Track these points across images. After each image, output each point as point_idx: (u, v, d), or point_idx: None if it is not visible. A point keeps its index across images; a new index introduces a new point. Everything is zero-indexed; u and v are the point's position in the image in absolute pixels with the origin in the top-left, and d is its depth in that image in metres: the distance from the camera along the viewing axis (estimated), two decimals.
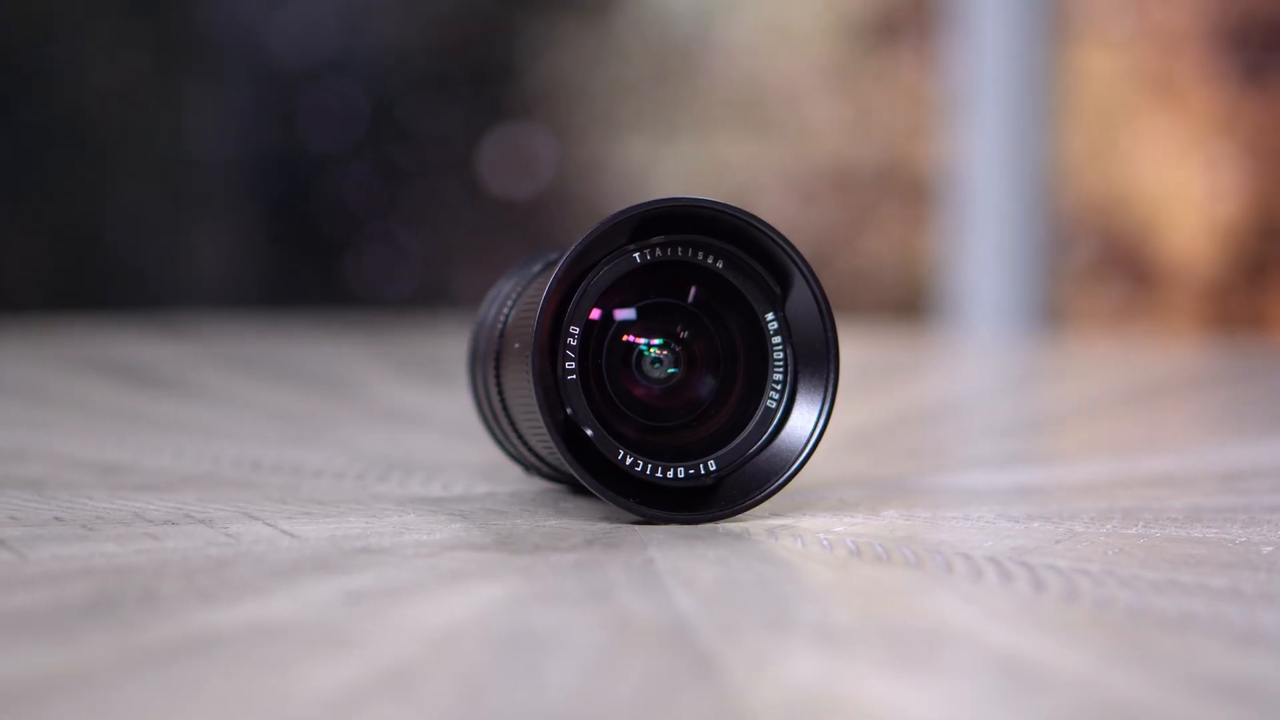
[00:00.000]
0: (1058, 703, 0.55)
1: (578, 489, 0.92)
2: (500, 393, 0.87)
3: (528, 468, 0.92)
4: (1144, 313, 2.88)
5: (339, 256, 3.06)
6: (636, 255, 0.82)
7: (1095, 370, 2.09)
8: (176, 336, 2.25)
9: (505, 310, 0.88)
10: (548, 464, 0.89)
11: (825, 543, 0.78)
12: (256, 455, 1.07)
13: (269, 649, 0.60)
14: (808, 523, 0.83)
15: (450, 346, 2.26)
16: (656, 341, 0.83)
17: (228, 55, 3.03)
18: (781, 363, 0.83)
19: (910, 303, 2.96)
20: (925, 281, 2.94)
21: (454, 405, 1.36)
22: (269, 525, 0.80)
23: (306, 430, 1.29)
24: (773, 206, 2.99)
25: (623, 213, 0.81)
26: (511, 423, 0.88)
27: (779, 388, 0.83)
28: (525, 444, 0.88)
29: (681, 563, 0.73)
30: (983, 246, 2.71)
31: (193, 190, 3.05)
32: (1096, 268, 2.92)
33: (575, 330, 0.81)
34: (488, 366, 0.89)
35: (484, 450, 1.05)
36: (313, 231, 3.05)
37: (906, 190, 2.98)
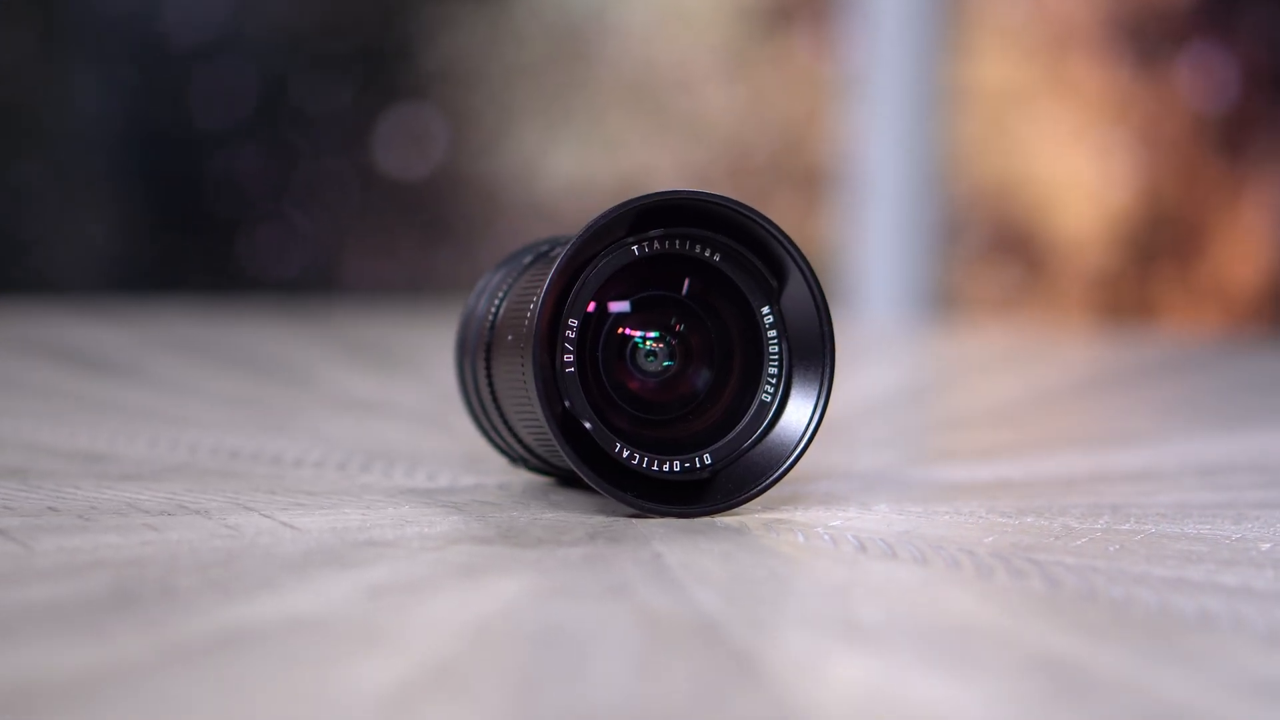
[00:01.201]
0: (1108, 704, 0.56)
1: (566, 481, 0.92)
2: (490, 384, 0.87)
3: (514, 459, 0.92)
4: (1035, 299, 2.90)
5: (230, 236, 3.03)
6: (635, 248, 0.82)
7: (1028, 362, 2.11)
8: (107, 320, 2.23)
9: (496, 302, 0.87)
10: (537, 456, 0.88)
11: (827, 538, 0.78)
12: (232, 444, 1.06)
13: (306, 645, 0.60)
14: (802, 516, 0.83)
15: (394, 332, 2.26)
16: (652, 334, 0.83)
17: (117, 33, 2.99)
18: (776, 356, 0.83)
19: None
20: (820, 266, 2.94)
21: (413, 393, 1.35)
22: (266, 517, 0.80)
23: (274, 418, 1.28)
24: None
25: (622, 205, 0.81)
26: (501, 414, 0.87)
27: (774, 381, 0.83)
28: (515, 436, 0.88)
29: (689, 557, 0.73)
30: (878, 231, 2.73)
31: (81, 169, 3.01)
32: (989, 253, 2.94)
33: (574, 323, 0.81)
34: (477, 358, 0.88)
35: (459, 440, 1.05)
36: (203, 211, 3.02)
37: (801, 175, 2.99)
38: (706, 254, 0.83)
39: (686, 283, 0.84)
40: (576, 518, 0.82)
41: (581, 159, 3.00)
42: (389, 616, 0.64)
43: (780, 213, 2.97)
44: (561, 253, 0.81)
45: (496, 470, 0.97)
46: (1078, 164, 2.87)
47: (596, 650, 0.59)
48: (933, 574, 0.72)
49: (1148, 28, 2.83)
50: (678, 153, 2.99)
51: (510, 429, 0.88)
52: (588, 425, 0.80)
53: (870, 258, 2.72)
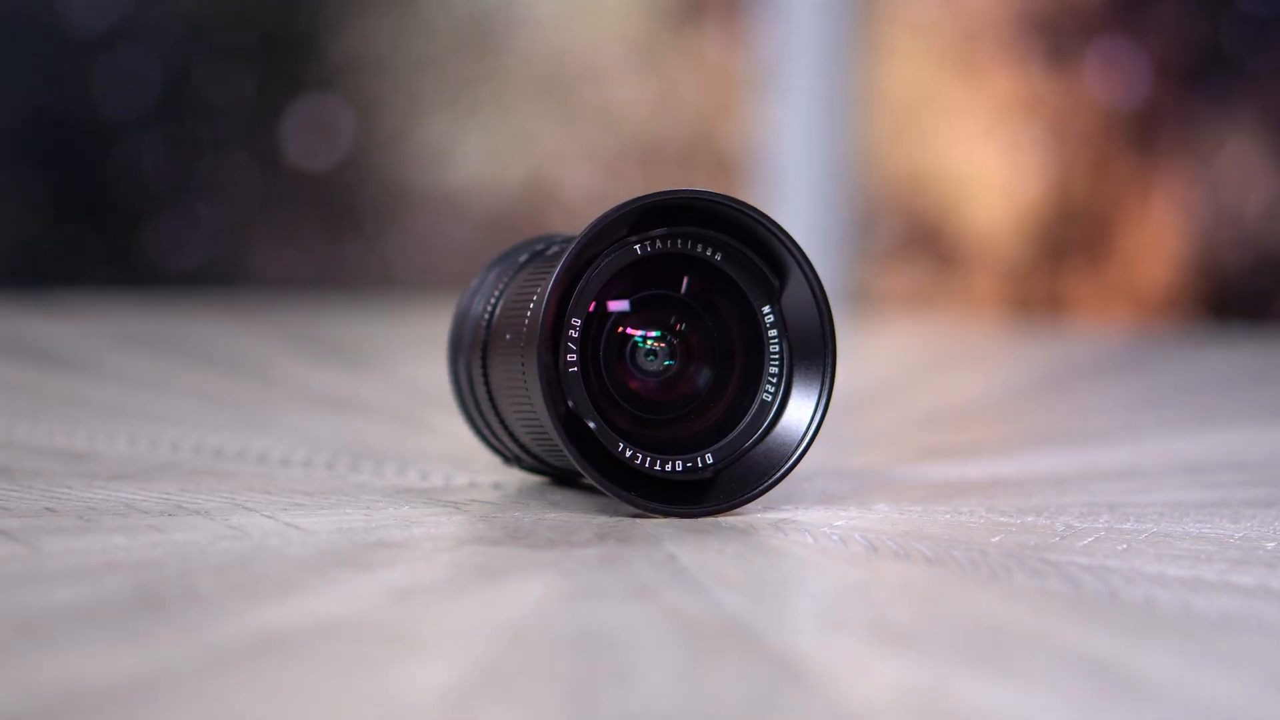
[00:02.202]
0: (1158, 707, 0.55)
1: (560, 480, 0.91)
2: (487, 383, 0.86)
3: (508, 459, 0.91)
4: (946, 294, 2.92)
5: (133, 227, 2.99)
6: (637, 247, 0.81)
7: (981, 360, 2.12)
8: (45, 313, 2.20)
9: (492, 301, 0.86)
10: (532, 455, 0.88)
11: (835, 538, 0.78)
12: (214, 442, 1.05)
13: (344, 649, 0.59)
14: (804, 516, 0.83)
15: (347, 328, 2.24)
16: (653, 334, 0.83)
17: (19, 21, 2.94)
18: (777, 356, 0.83)
19: None
20: None
21: (380, 390, 1.34)
22: (269, 518, 0.79)
23: (248, 415, 1.27)
24: (577, 183, 2.98)
25: (625, 204, 0.80)
26: (498, 413, 0.87)
27: (775, 381, 0.83)
28: (511, 435, 0.87)
29: (704, 559, 0.73)
30: (789, 224, 2.72)
31: None
32: (900, 248, 2.95)
33: (577, 322, 0.80)
34: (473, 357, 0.87)
35: (440, 438, 1.05)
36: (105, 201, 2.98)
37: (712, 168, 2.99)
38: (708, 253, 0.82)
39: (685, 281, 0.83)
40: (581, 518, 0.81)
41: (490, 150, 2.99)
42: (419, 619, 0.63)
43: None
44: (565, 252, 0.80)
45: (487, 469, 0.96)
46: (988, 159, 2.88)
47: (638, 654, 0.59)
48: (949, 574, 0.72)
49: (1058, 23, 2.85)
50: (587, 144, 2.98)
51: (506, 428, 0.87)
52: (591, 425, 0.80)
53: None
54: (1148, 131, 2.83)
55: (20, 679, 0.54)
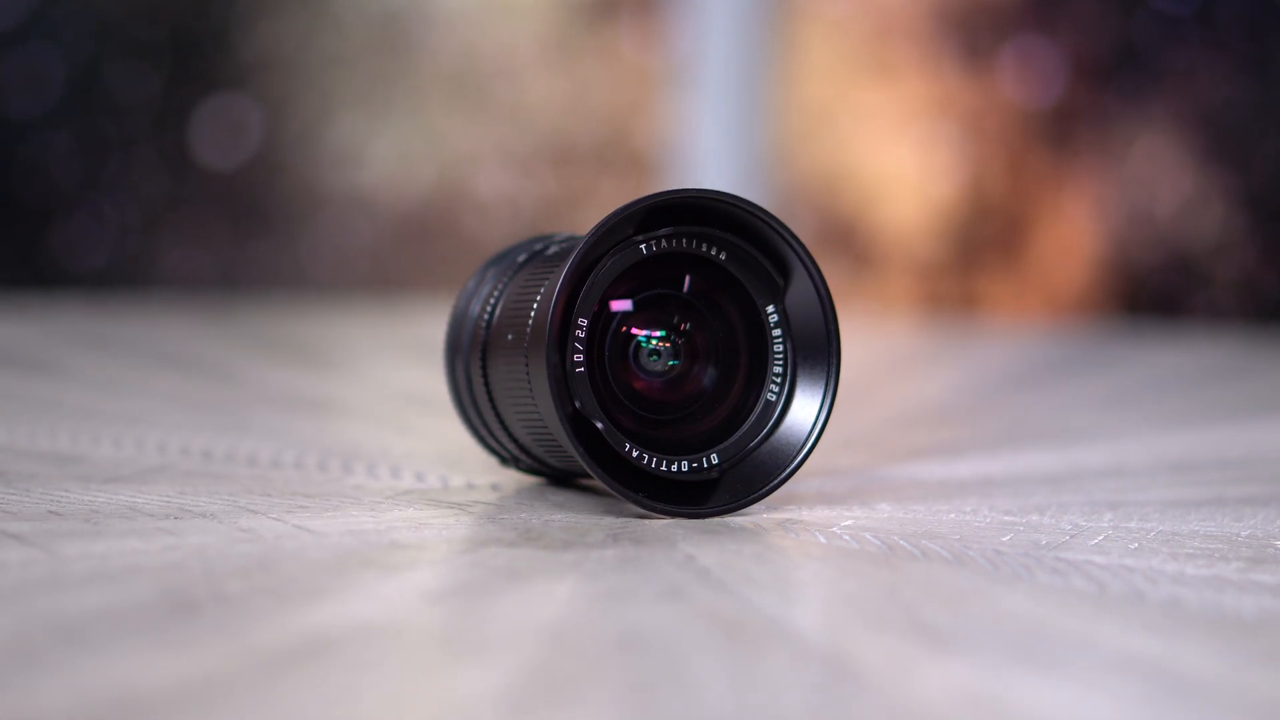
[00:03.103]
0: (1215, 707, 0.55)
1: (557, 480, 0.91)
2: (487, 384, 0.86)
3: (505, 460, 0.90)
4: (860, 290, 2.93)
5: (39, 226, 2.95)
6: (643, 246, 0.80)
7: (931, 361, 2.13)
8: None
9: (491, 302, 0.86)
10: (531, 455, 0.87)
11: (848, 538, 0.78)
12: (200, 444, 1.04)
13: (391, 652, 0.59)
14: (809, 516, 0.83)
15: (286, 326, 2.22)
16: (657, 334, 0.82)
17: None
18: (781, 355, 0.83)
19: None
20: None
21: (352, 391, 1.33)
22: (275, 520, 0.78)
23: (225, 416, 1.26)
24: (490, 182, 2.97)
25: (632, 204, 0.80)
26: (497, 414, 0.86)
27: (779, 380, 0.83)
28: (510, 435, 0.86)
29: (723, 559, 0.73)
30: None
31: None
32: (815, 245, 2.96)
33: (583, 322, 0.79)
34: (472, 358, 0.86)
35: (425, 439, 1.04)
36: (11, 199, 2.94)
37: (626, 165, 2.99)
38: (713, 252, 0.82)
39: (687, 280, 0.83)
40: (589, 519, 0.81)
41: (402, 149, 2.97)
42: (457, 622, 0.63)
43: (605, 203, 2.96)
44: (569, 251, 0.80)
45: (480, 470, 0.96)
46: (903, 157, 2.89)
47: (685, 656, 0.58)
48: (971, 574, 0.72)
49: (973, 21, 2.86)
50: (500, 142, 2.97)
51: (506, 428, 0.86)
52: (599, 425, 0.79)
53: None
54: (1062, 129, 2.85)
55: (67, 686, 0.53)
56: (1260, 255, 2.75)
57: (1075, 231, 2.82)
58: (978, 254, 2.87)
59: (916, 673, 0.57)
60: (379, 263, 2.99)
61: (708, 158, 2.75)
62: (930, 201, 2.88)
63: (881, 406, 1.50)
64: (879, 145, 2.91)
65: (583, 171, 2.98)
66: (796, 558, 0.75)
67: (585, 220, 2.97)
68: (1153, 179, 2.78)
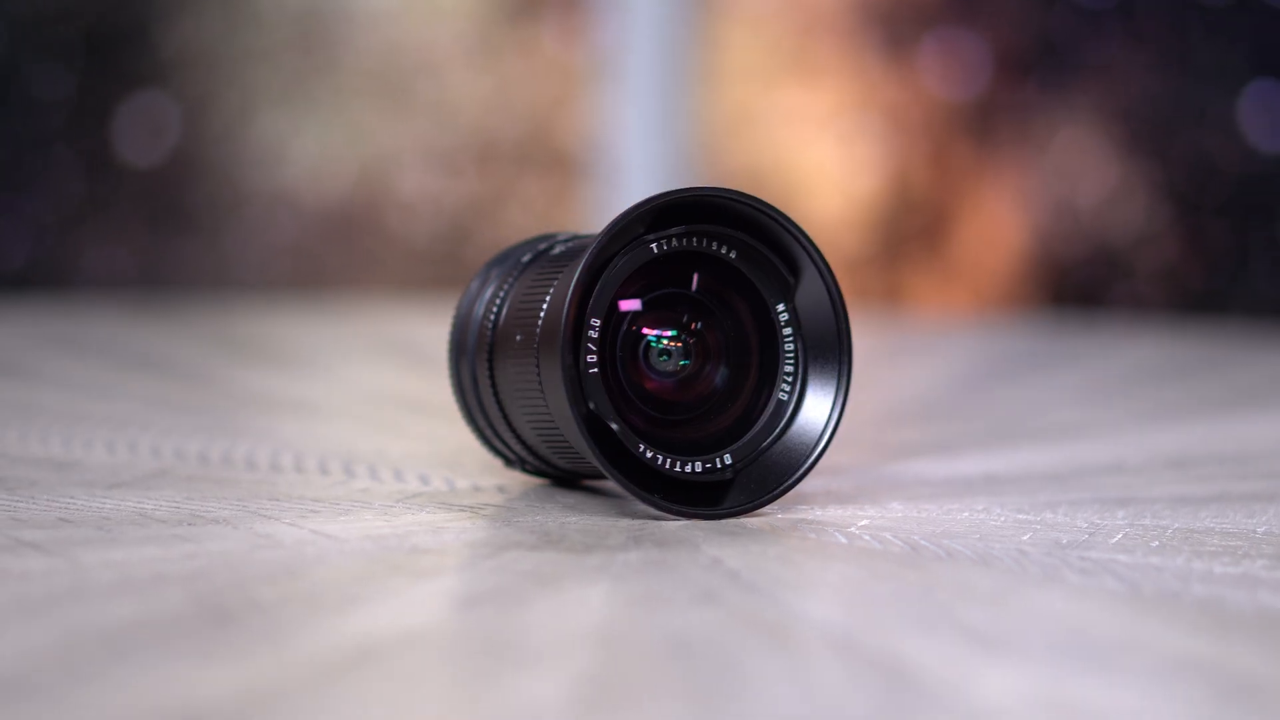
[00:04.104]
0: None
1: (561, 481, 0.90)
2: (493, 385, 0.85)
3: (510, 461, 0.90)
4: None
5: None
6: (654, 245, 0.80)
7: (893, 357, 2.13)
8: None
9: (497, 303, 0.85)
10: (538, 456, 0.87)
11: (869, 538, 0.78)
12: (193, 448, 1.03)
13: (441, 659, 0.58)
14: (823, 516, 0.83)
15: (263, 328, 2.20)
16: (669, 333, 0.82)
17: None
18: (792, 354, 0.83)
19: None
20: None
21: (331, 393, 1.32)
22: (291, 526, 0.78)
23: (211, 420, 1.24)
24: (413, 179, 2.95)
25: (643, 203, 0.79)
26: (504, 415, 0.85)
27: (790, 379, 0.83)
28: (518, 436, 0.86)
29: (749, 561, 0.73)
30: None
31: None
32: None
33: (596, 322, 0.79)
34: (478, 359, 0.86)
35: (419, 441, 1.04)
36: None
37: (550, 162, 2.98)
38: (723, 251, 0.81)
39: (695, 278, 0.82)
40: (605, 521, 0.80)
41: (325, 145, 2.95)
42: (499, 628, 0.62)
43: (529, 200, 2.96)
44: (580, 250, 0.79)
45: (482, 472, 0.95)
46: (826, 152, 2.90)
47: (739, 661, 0.58)
48: (1001, 575, 0.72)
49: (895, 14, 2.87)
50: (423, 139, 2.96)
51: (513, 429, 0.86)
52: (614, 426, 0.79)
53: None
54: (985, 122, 2.87)
55: (124, 698, 0.53)
56: (1182, 247, 2.77)
57: (999, 224, 2.83)
58: (902, 248, 2.88)
59: (974, 676, 0.57)
60: (301, 260, 2.97)
61: (632, 154, 2.75)
62: (854, 196, 2.88)
63: (861, 404, 1.51)
64: (802, 140, 2.92)
65: (506, 169, 2.97)
66: (822, 559, 0.74)
67: (510, 218, 2.97)
68: (1075, 171, 2.80)
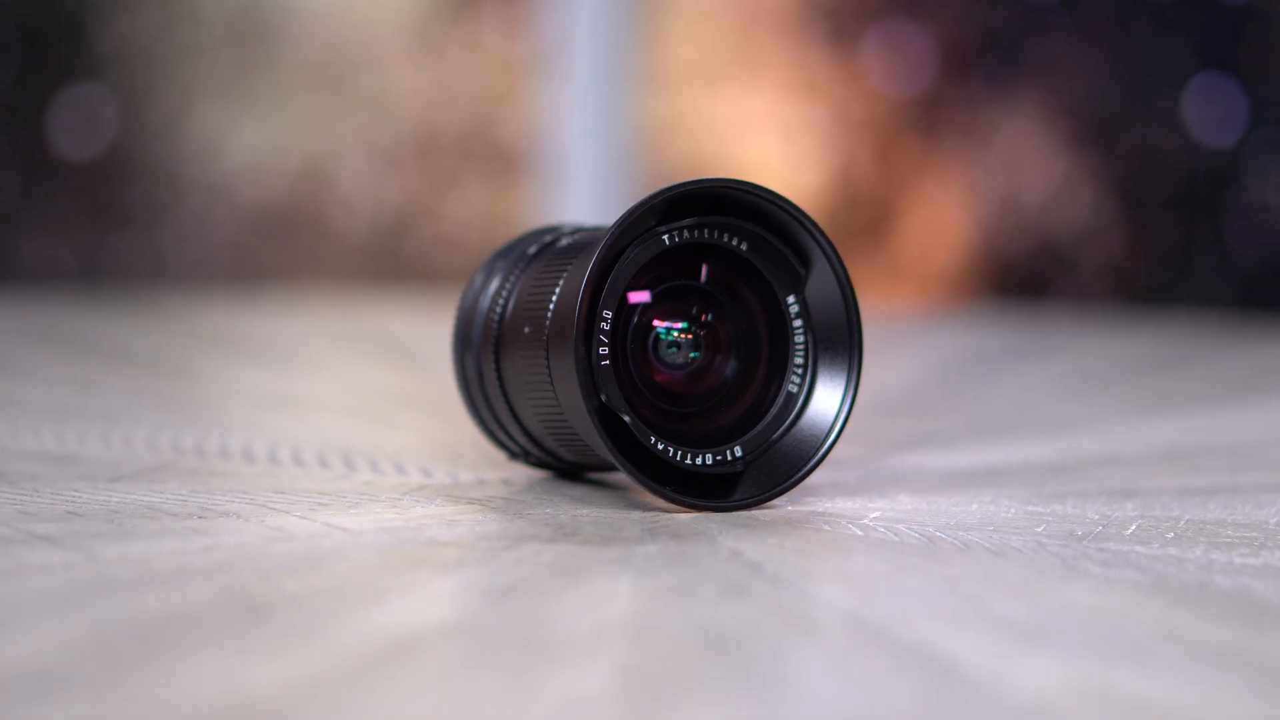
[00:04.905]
0: None
1: (564, 473, 0.90)
2: (500, 378, 0.84)
3: (514, 454, 0.89)
4: None
5: None
6: (665, 237, 0.80)
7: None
8: None
9: (504, 296, 0.84)
10: (543, 449, 0.86)
11: (884, 530, 0.77)
12: (188, 441, 1.03)
13: (481, 651, 0.58)
14: (834, 508, 0.83)
15: (226, 320, 2.18)
16: (679, 325, 0.81)
17: None
18: (802, 346, 0.82)
19: None
20: None
21: (314, 386, 1.31)
22: (303, 519, 0.77)
23: (200, 413, 1.24)
24: (354, 173, 2.94)
25: (655, 195, 0.79)
26: (510, 408, 0.85)
27: (800, 371, 0.82)
28: (523, 429, 0.85)
29: (769, 554, 0.72)
30: (572, 212, 2.72)
31: None
32: None
33: (608, 315, 0.78)
34: (484, 352, 0.85)
35: (412, 434, 1.03)
36: None
37: (491, 156, 2.97)
38: (734, 243, 0.81)
39: (704, 269, 0.82)
40: (617, 514, 0.80)
41: (265, 140, 2.93)
42: (533, 620, 0.61)
43: (470, 194, 2.95)
44: (590, 243, 0.79)
45: (483, 464, 0.95)
46: (770, 145, 2.90)
47: (777, 653, 0.58)
48: (1023, 567, 0.71)
49: (840, 8, 2.87)
50: (364, 133, 2.94)
51: (519, 422, 0.85)
52: (626, 418, 0.78)
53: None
54: (930, 117, 2.87)
55: (168, 690, 0.52)
56: (1128, 241, 2.79)
57: (944, 219, 2.84)
58: (847, 243, 2.87)
59: (1015, 668, 0.57)
60: (240, 254, 2.95)
61: (574, 148, 2.74)
62: (798, 191, 2.88)
63: None
64: (746, 134, 2.92)
65: (447, 163, 2.96)
66: (841, 551, 0.74)
67: (451, 213, 2.95)
68: (1020, 165, 2.81)
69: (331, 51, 2.95)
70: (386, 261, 2.94)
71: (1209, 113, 2.74)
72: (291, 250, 2.96)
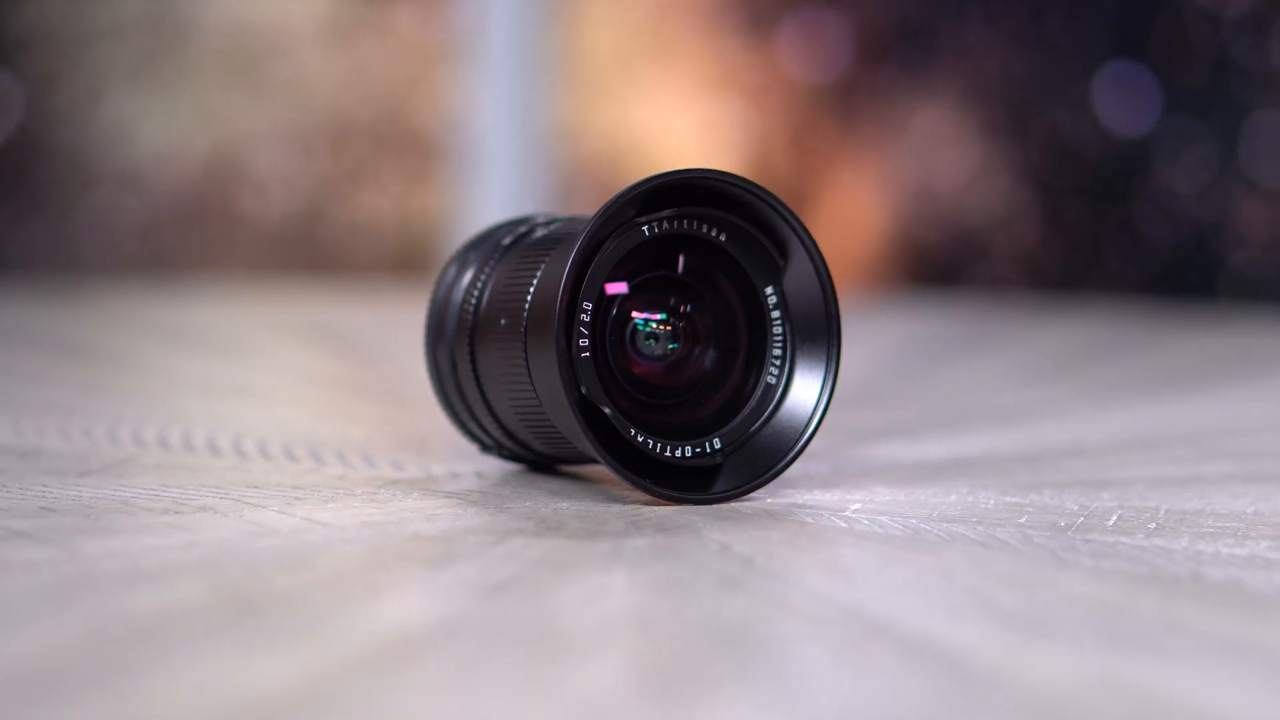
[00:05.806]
0: None
1: (536, 466, 0.89)
2: (474, 370, 0.83)
3: (486, 446, 0.88)
4: None
5: None
6: (645, 228, 0.79)
7: None
8: None
9: (478, 287, 0.84)
10: (517, 441, 0.85)
11: (867, 522, 0.77)
12: (149, 434, 1.01)
13: (485, 648, 0.57)
14: (813, 500, 0.82)
15: (171, 312, 2.16)
16: (657, 317, 0.81)
17: None
18: (780, 337, 0.82)
19: (410, 259, 2.93)
20: (425, 237, 2.92)
21: (266, 376, 1.29)
22: (281, 513, 0.77)
23: (153, 405, 1.22)
24: (266, 160, 2.91)
25: (635, 186, 0.78)
26: (485, 400, 0.84)
27: (778, 363, 0.82)
28: (497, 421, 0.84)
29: (758, 546, 0.72)
30: (488, 200, 2.71)
31: None
32: None
33: (588, 306, 0.78)
34: (458, 343, 0.84)
35: (376, 426, 1.02)
36: None
37: (406, 144, 2.95)
38: (713, 234, 0.80)
39: (681, 260, 0.81)
40: (597, 506, 0.80)
41: (175, 126, 2.90)
42: (534, 616, 0.61)
43: (384, 183, 2.93)
44: (569, 234, 0.78)
45: (454, 457, 0.94)
46: (686, 131, 2.90)
47: (787, 649, 0.57)
48: (1013, 558, 0.71)
49: None
50: (276, 120, 2.92)
51: (493, 414, 0.84)
52: (606, 410, 0.78)
53: (481, 226, 2.69)
54: (845, 104, 2.88)
55: (173, 689, 0.51)
56: (1041, 228, 2.80)
57: (859, 206, 2.85)
58: None
59: (1024, 660, 0.57)
60: (150, 242, 2.92)
61: (490, 135, 2.73)
62: None
63: None
64: (662, 120, 2.92)
65: (361, 150, 2.94)
66: (828, 544, 0.74)
67: (365, 199, 2.93)
68: (934, 153, 2.82)
69: (244, 37, 2.92)
70: (300, 249, 2.91)
71: (1121, 100, 2.75)
72: (203, 238, 2.93)
